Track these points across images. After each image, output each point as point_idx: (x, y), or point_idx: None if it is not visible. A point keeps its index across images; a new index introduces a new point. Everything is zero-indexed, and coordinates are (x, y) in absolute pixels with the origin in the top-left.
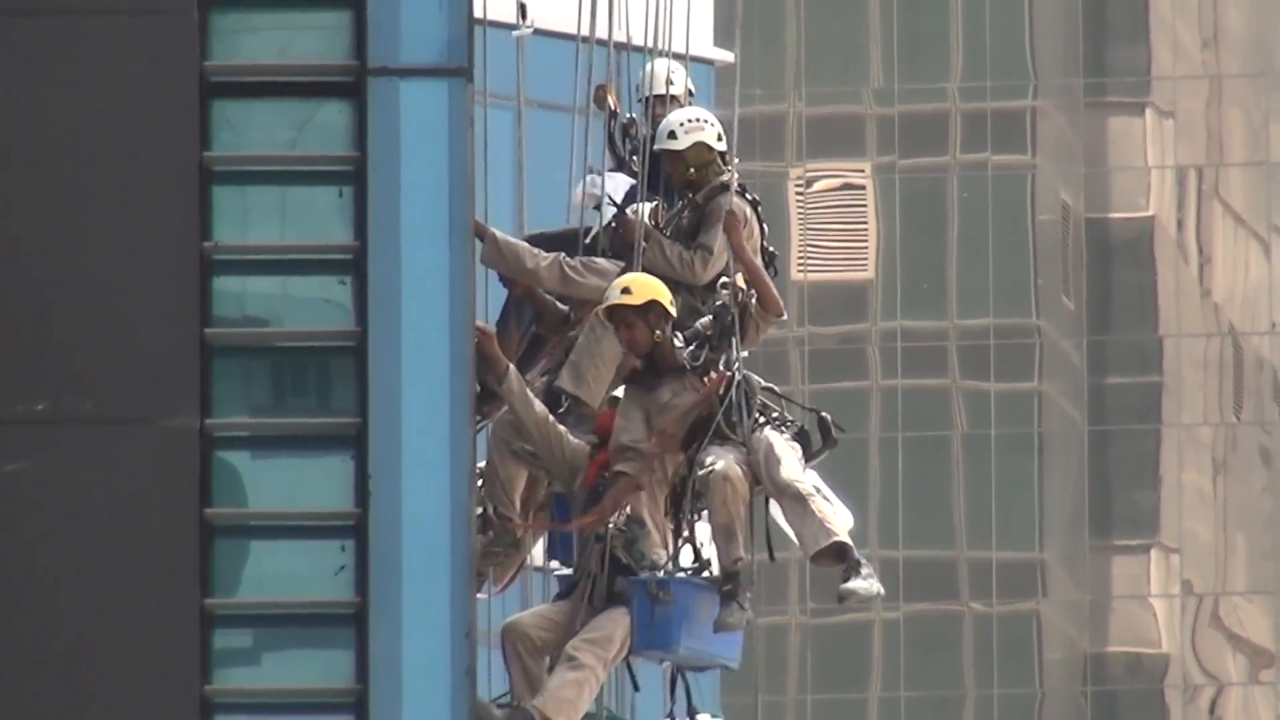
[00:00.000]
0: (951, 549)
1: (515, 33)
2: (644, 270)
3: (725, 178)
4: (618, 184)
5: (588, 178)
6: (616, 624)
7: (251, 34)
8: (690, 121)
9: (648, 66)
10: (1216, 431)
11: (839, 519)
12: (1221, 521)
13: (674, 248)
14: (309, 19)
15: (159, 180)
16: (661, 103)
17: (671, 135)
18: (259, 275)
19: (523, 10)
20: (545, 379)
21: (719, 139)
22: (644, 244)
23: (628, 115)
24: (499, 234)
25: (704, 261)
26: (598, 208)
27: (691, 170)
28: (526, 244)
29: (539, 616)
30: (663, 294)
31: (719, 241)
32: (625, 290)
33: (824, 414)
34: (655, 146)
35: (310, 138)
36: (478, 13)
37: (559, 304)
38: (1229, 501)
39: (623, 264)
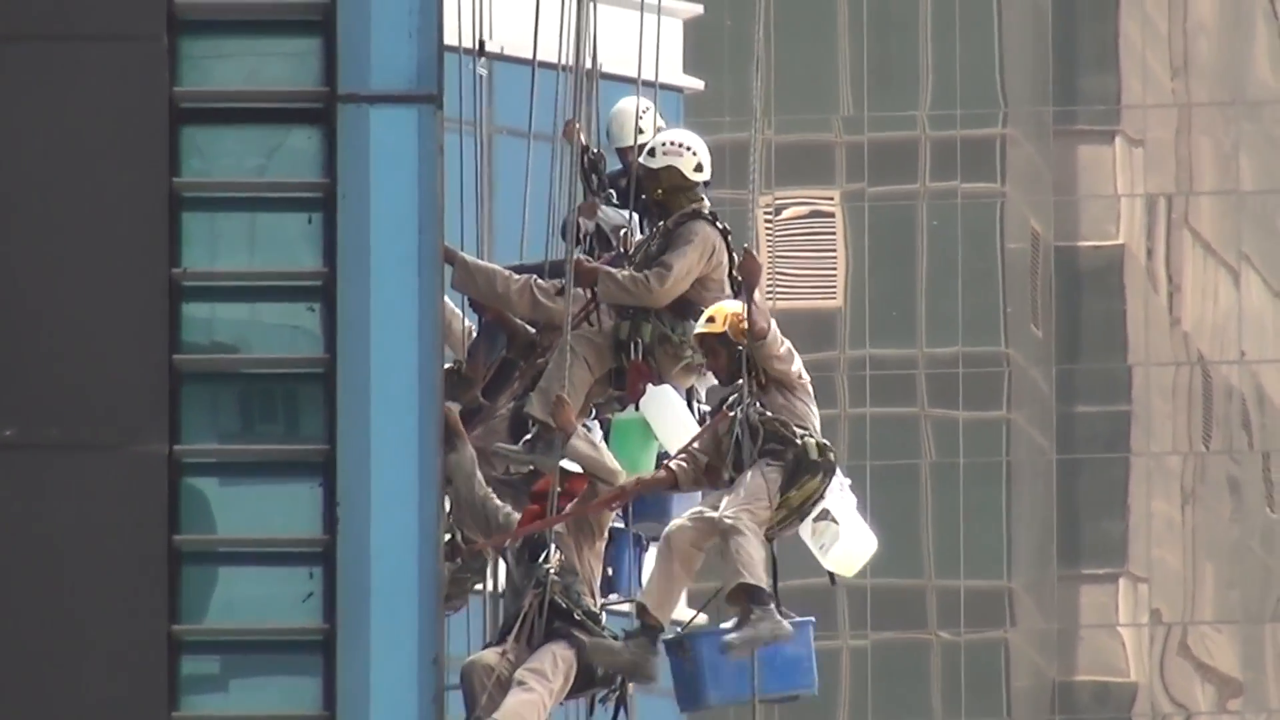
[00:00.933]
0: (920, 577)
1: (479, 69)
2: (604, 303)
3: (697, 205)
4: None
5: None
6: (558, 657)
7: (221, 60)
8: (671, 145)
9: (615, 115)
10: (1186, 461)
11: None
12: (1190, 551)
13: (624, 273)
14: (279, 45)
15: (128, 206)
16: (635, 152)
17: (650, 153)
18: (228, 302)
19: (481, 47)
20: (514, 405)
21: (697, 169)
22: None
23: (595, 149)
24: (470, 258)
25: (660, 277)
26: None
27: (660, 190)
28: (497, 267)
29: (495, 654)
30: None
31: (682, 263)
32: (710, 319)
33: (808, 438)
34: (628, 142)
35: (280, 164)
36: (449, 40)
37: (529, 328)
38: (1198, 531)
39: (594, 291)
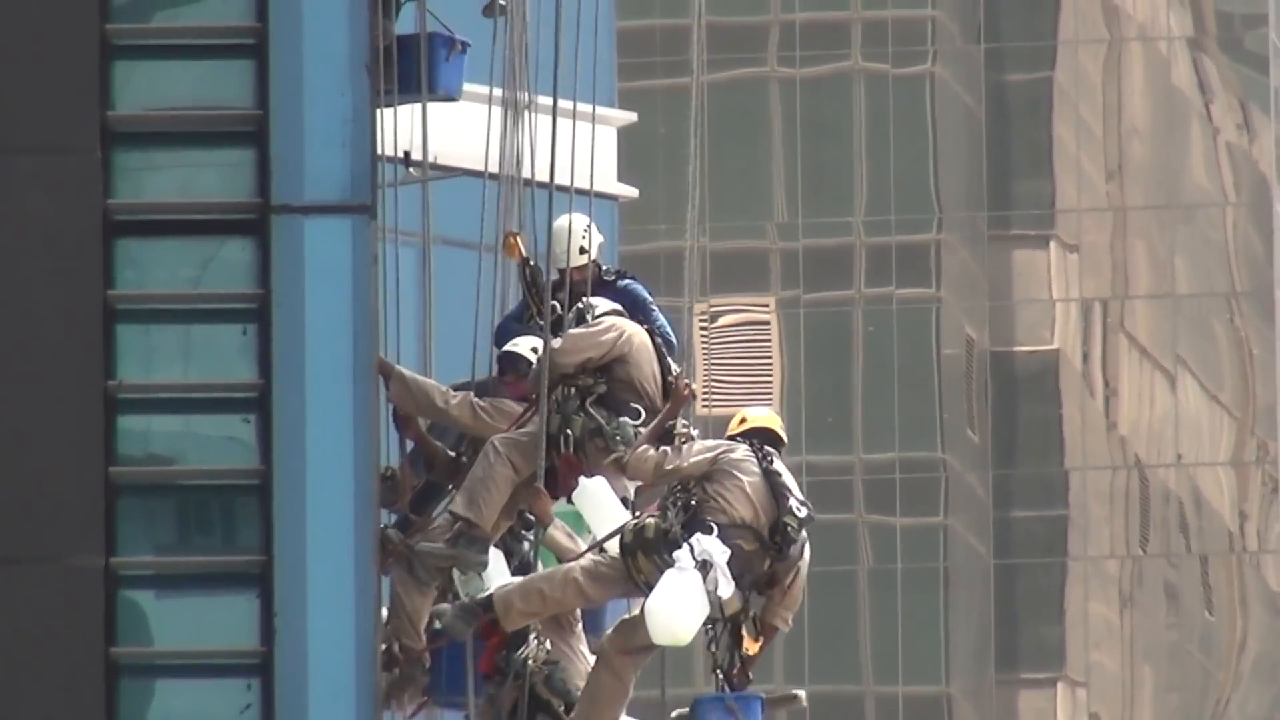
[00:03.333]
0: (858, 684)
1: (411, 171)
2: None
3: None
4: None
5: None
6: None
7: (154, 172)
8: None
9: (555, 234)
10: (1123, 564)
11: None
12: (1128, 655)
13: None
14: (212, 156)
15: (62, 319)
16: (580, 270)
17: (583, 251)
18: (163, 414)
19: (406, 158)
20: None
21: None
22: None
23: (534, 261)
24: (406, 372)
25: (562, 340)
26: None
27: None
28: (435, 382)
29: None
30: (773, 423)
31: (582, 329)
32: (743, 420)
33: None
34: (570, 264)
35: (214, 276)
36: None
37: (448, 451)
38: (1136, 634)
39: (525, 405)
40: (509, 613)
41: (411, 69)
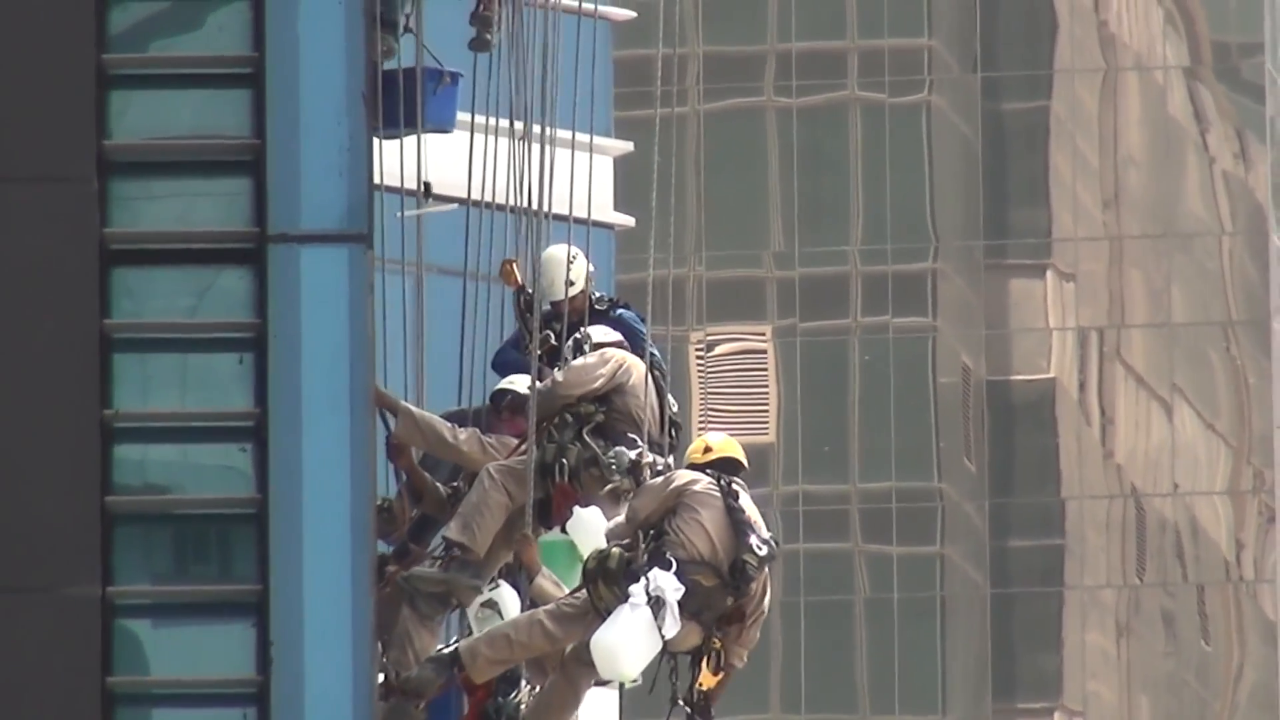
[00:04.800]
0: (854, 714)
1: (420, 209)
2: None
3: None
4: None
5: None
6: None
7: (151, 201)
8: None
9: (544, 264)
10: (1120, 593)
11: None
12: (1125, 684)
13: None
14: (209, 186)
15: (59, 348)
16: (573, 301)
17: (570, 283)
18: (160, 443)
19: (427, 188)
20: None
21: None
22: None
23: (530, 289)
24: (414, 409)
25: (561, 371)
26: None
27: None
28: (440, 419)
29: None
30: (736, 450)
31: (581, 361)
32: (707, 449)
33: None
34: (558, 296)
35: (211, 305)
36: (378, 179)
37: (437, 484)
38: (1133, 664)
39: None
40: (476, 661)
41: (400, 103)
